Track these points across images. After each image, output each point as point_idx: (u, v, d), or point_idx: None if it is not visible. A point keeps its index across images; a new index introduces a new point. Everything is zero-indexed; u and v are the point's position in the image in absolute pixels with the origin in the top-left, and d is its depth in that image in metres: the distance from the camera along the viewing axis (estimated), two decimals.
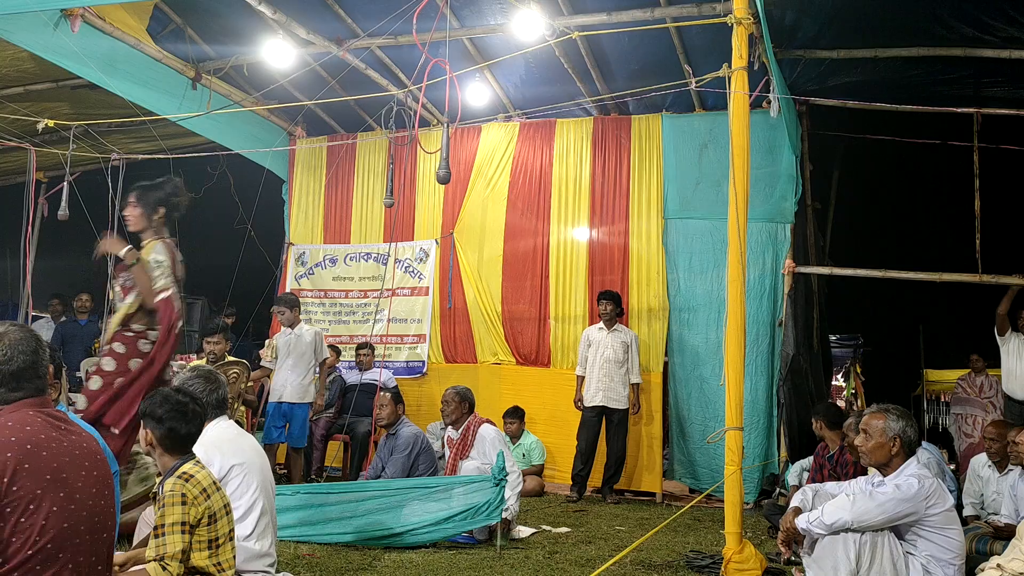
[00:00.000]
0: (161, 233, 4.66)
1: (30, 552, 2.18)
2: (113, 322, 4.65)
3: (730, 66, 4.71)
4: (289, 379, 7.06)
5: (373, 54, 7.61)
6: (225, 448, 3.55)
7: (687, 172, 7.90)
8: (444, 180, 5.27)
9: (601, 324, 7.43)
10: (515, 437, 7.77)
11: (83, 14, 6.49)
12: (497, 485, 4.88)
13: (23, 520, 2.18)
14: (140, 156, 8.14)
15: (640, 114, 8.13)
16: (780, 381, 7.29)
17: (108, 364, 4.54)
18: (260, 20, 7.02)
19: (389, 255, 8.64)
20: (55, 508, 2.24)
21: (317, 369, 7.24)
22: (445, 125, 5.25)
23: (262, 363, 7.44)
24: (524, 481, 6.15)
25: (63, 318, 9.36)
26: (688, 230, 7.85)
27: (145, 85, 7.32)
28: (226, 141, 8.28)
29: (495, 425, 5.91)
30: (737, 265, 4.54)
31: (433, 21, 6.02)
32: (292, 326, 7.24)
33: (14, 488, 2.17)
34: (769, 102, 5.76)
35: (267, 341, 7.70)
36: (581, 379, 7.44)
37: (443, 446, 6.21)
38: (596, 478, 7.45)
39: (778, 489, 6.94)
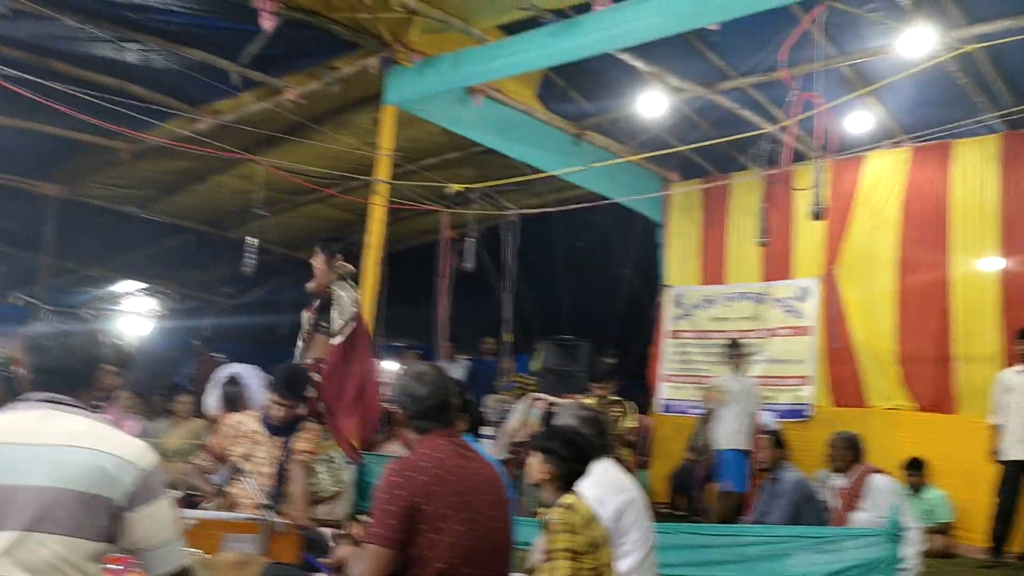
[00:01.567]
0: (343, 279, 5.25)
1: (440, 566, 2.50)
2: None
3: None
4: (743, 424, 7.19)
5: (745, 93, 7.57)
6: (616, 488, 3.71)
7: None
8: (818, 217, 5.05)
9: (1020, 367, 6.50)
10: (916, 490, 7.05)
11: (484, 89, 7.35)
12: (892, 541, 4.48)
13: (434, 537, 2.51)
14: (530, 211, 8.91)
15: None
16: None
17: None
18: (635, 74, 7.35)
19: (766, 295, 8.42)
20: (461, 528, 2.54)
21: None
22: (816, 160, 5.03)
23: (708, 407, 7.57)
24: (926, 540, 5.55)
25: (457, 360, 10.43)
26: None
27: (534, 146, 8.05)
28: (605, 191, 8.74)
29: (889, 475, 5.43)
30: None
31: (809, 51, 5.85)
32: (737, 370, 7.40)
33: (427, 508, 2.51)
34: None
35: (714, 384, 7.76)
36: (997, 428, 6.55)
37: (830, 495, 5.86)
38: (1018, 541, 6.47)
39: None
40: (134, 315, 16.15)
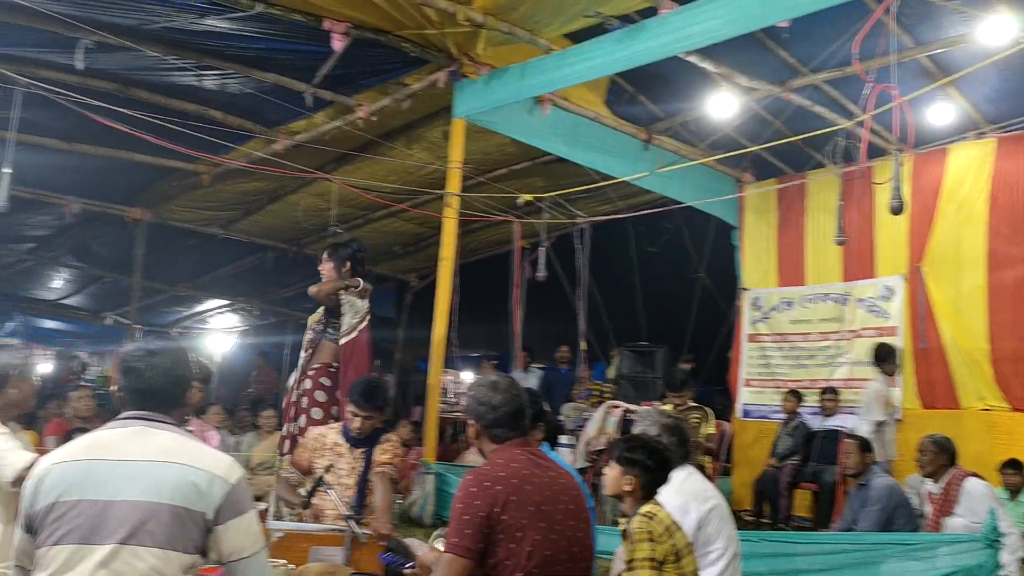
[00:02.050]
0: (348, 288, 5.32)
1: (519, 575, 2.51)
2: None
3: None
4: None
5: (818, 89, 7.41)
6: (699, 496, 3.66)
7: None
8: (897, 211, 4.90)
9: None
10: (1013, 494, 6.74)
11: (551, 98, 7.37)
12: (990, 547, 4.30)
13: (513, 546, 2.51)
14: (602, 218, 8.88)
15: None
16: None
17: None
18: (704, 75, 7.27)
19: (849, 295, 8.20)
20: (538, 537, 2.53)
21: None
22: (895, 155, 4.89)
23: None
24: None
25: (532, 369, 10.43)
26: None
27: (603, 152, 8.02)
28: (677, 195, 8.65)
29: (983, 479, 5.22)
30: None
31: (883, 43, 5.69)
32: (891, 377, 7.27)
33: (504, 518, 2.52)
34: None
35: (877, 392, 7.31)
36: None
37: (921, 501, 5.66)
38: None
39: None
40: (219, 332, 16.69)
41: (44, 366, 14.71)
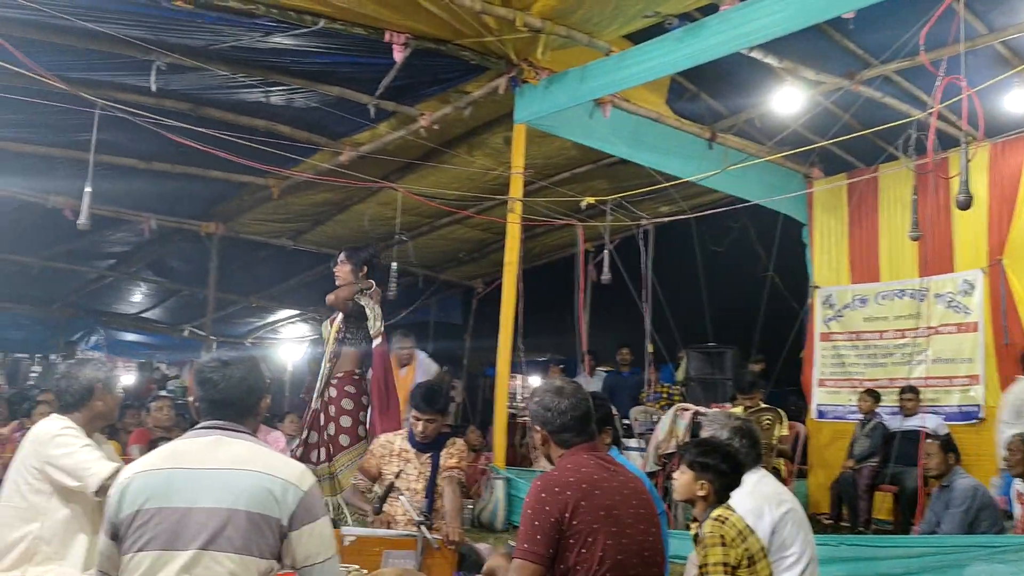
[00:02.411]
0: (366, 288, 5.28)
1: None
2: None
3: None
4: None
5: (889, 80, 7.20)
6: (773, 499, 3.59)
7: None
8: (963, 206, 4.72)
9: None
10: None
11: (612, 100, 7.33)
12: None
13: (583, 551, 2.50)
14: (665, 219, 8.80)
15: None
16: None
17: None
18: (768, 71, 7.14)
19: (926, 290, 7.94)
20: (609, 541, 2.52)
21: None
22: (963, 148, 4.70)
23: None
24: None
25: (597, 372, 10.36)
26: None
27: (666, 152, 7.94)
28: (743, 193, 8.51)
29: None
30: None
31: (955, 32, 5.50)
32: None
33: (574, 522, 2.51)
34: None
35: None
36: None
37: (1009, 501, 5.44)
38: None
39: None
40: (291, 341, 17.04)
41: (126, 378, 15.24)
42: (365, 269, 5.53)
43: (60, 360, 13.90)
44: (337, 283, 5.53)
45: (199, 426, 2.44)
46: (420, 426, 4.36)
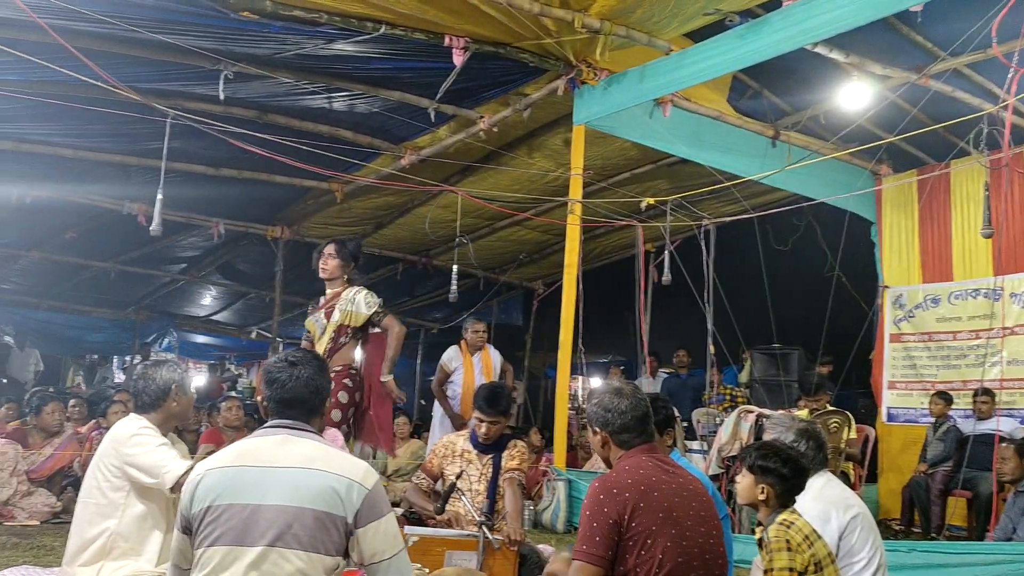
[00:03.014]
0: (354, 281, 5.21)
1: None
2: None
3: None
4: None
5: (959, 73, 6.99)
6: (840, 503, 3.52)
7: None
8: None
9: None
10: None
11: (672, 99, 7.27)
12: None
13: (643, 553, 2.48)
14: (727, 219, 8.68)
15: None
16: None
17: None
18: (833, 66, 7.00)
19: (1001, 289, 7.68)
20: (669, 543, 2.50)
21: None
22: None
23: None
24: None
25: (658, 373, 10.28)
26: None
27: (728, 151, 7.84)
28: (808, 191, 8.34)
29: None
30: None
31: None
32: None
33: (633, 524, 2.49)
34: None
35: None
36: None
37: None
38: None
39: None
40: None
41: (198, 379, 15.68)
42: (353, 264, 5.52)
43: (133, 362, 14.38)
44: (323, 275, 5.50)
45: (267, 425, 2.50)
46: (483, 428, 4.38)
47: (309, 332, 5.58)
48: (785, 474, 3.02)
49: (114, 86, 5.80)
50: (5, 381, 12.42)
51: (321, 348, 5.34)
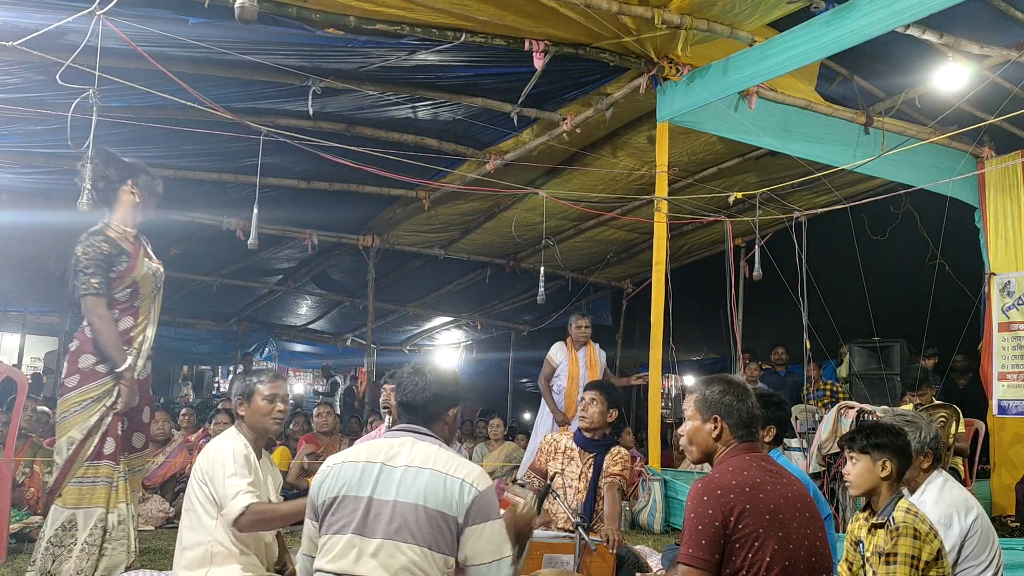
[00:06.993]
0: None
1: None
2: None
3: None
4: None
5: None
6: (961, 506, 3.39)
7: None
8: None
9: None
10: None
11: (757, 91, 7.12)
12: None
13: (751, 555, 2.43)
14: (819, 210, 8.45)
15: None
16: None
17: None
18: (927, 48, 6.74)
19: None
20: (776, 546, 2.44)
21: None
22: None
23: None
24: None
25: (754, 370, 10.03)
26: None
27: (818, 141, 7.62)
28: (905, 178, 8.05)
29: None
30: None
31: None
32: None
33: (740, 526, 2.45)
34: None
35: None
36: None
37: None
38: None
39: None
40: (446, 347, 17.54)
41: (296, 386, 16.17)
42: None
43: (237, 371, 14.93)
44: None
45: (395, 427, 2.70)
46: (584, 406, 4.49)
47: None
48: (900, 446, 2.98)
49: (209, 107, 6.05)
50: None
51: None
